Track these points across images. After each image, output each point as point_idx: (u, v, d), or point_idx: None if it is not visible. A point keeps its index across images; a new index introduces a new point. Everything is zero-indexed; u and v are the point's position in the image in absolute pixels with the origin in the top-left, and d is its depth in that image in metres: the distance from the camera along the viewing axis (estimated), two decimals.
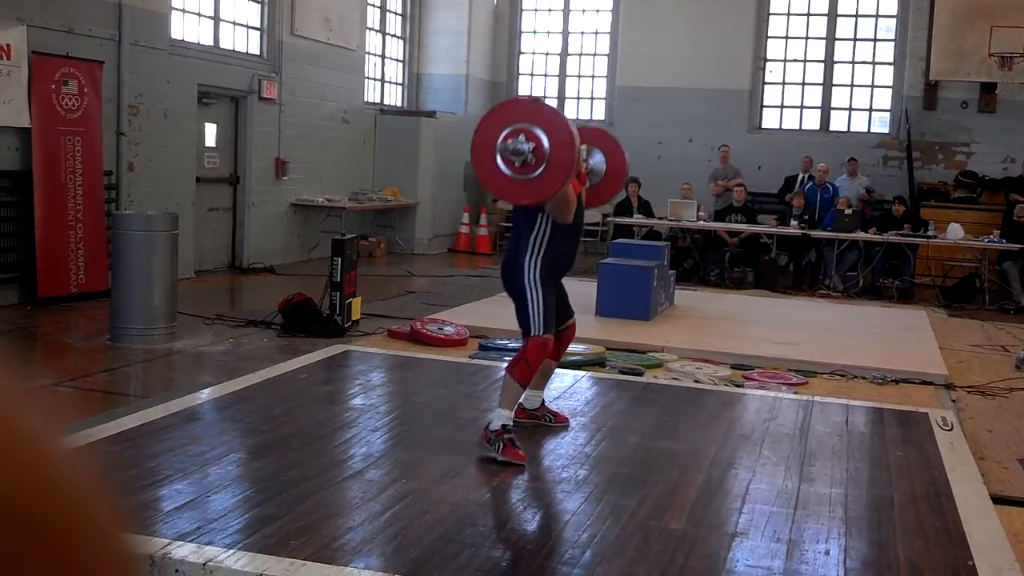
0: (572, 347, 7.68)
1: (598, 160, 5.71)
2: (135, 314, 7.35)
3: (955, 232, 12.52)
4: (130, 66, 9.84)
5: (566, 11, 16.89)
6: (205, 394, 5.90)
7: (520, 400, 5.22)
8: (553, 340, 5.09)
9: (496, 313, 9.26)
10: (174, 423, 5.19)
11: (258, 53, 12.27)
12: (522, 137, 4.72)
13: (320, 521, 3.92)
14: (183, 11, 11.00)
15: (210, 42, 11.47)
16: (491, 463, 4.76)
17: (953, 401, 6.85)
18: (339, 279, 7.98)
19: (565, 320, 5.33)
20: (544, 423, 5.44)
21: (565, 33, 16.95)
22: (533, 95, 16.44)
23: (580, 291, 10.74)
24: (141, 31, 9.94)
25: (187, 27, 11.10)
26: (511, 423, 4.94)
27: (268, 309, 8.37)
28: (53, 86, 8.74)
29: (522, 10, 17.17)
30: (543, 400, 5.55)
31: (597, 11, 16.79)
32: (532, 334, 4.95)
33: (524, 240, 5.01)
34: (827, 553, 3.93)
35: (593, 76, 16.83)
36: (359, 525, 3.91)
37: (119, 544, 0.55)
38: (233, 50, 11.83)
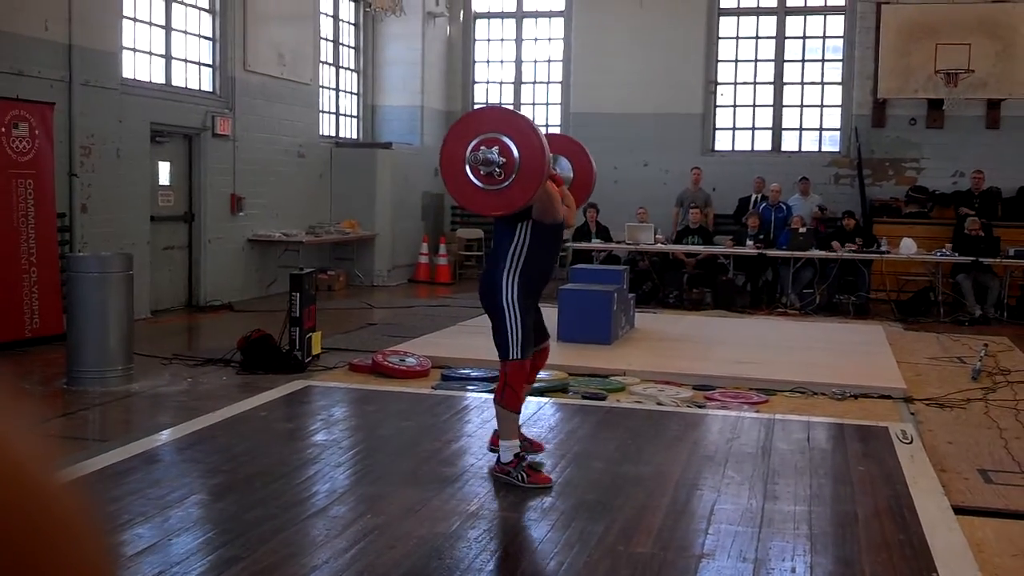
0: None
1: (564, 167, 5.72)
2: (91, 357, 7.25)
3: (908, 247, 12.71)
4: (81, 107, 9.76)
5: (519, 40, 17.01)
6: (164, 435, 5.84)
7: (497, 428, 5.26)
8: (530, 362, 5.10)
9: (458, 343, 9.25)
10: (133, 466, 5.13)
11: (211, 90, 12.23)
12: (493, 148, 4.71)
13: (285, 560, 3.89)
14: (134, 50, 10.94)
15: (162, 80, 11.42)
16: (469, 493, 4.75)
17: (912, 414, 6.92)
18: (298, 314, 7.94)
19: (540, 342, 5.33)
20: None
21: (518, 62, 17.06)
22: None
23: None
24: (91, 71, 9.88)
25: (138, 66, 11.04)
26: (520, 450, 4.98)
27: (227, 347, 8.30)
28: (3, 129, 8.65)
29: (475, 40, 17.27)
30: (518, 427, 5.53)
31: (549, 40, 16.92)
32: (510, 357, 4.95)
33: (504, 252, 5.00)
34: (793, 571, 3.95)
35: (547, 103, 16.94)
36: (324, 563, 3.88)
37: (106, 569, 0.55)
38: (185, 87, 11.78)
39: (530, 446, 5.47)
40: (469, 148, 4.78)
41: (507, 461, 4.96)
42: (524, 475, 4.89)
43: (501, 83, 17.22)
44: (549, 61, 16.91)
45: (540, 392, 7.19)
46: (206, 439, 5.73)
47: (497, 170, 4.70)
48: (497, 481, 4.97)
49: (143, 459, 5.29)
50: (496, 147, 4.70)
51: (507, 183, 4.72)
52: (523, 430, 5.79)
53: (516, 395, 4.99)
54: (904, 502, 4.79)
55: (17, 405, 0.53)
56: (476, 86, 17.33)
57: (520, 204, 4.77)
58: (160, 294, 11.29)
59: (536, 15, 16.93)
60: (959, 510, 4.72)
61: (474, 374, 7.87)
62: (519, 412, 5.14)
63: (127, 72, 10.71)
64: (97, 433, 6.43)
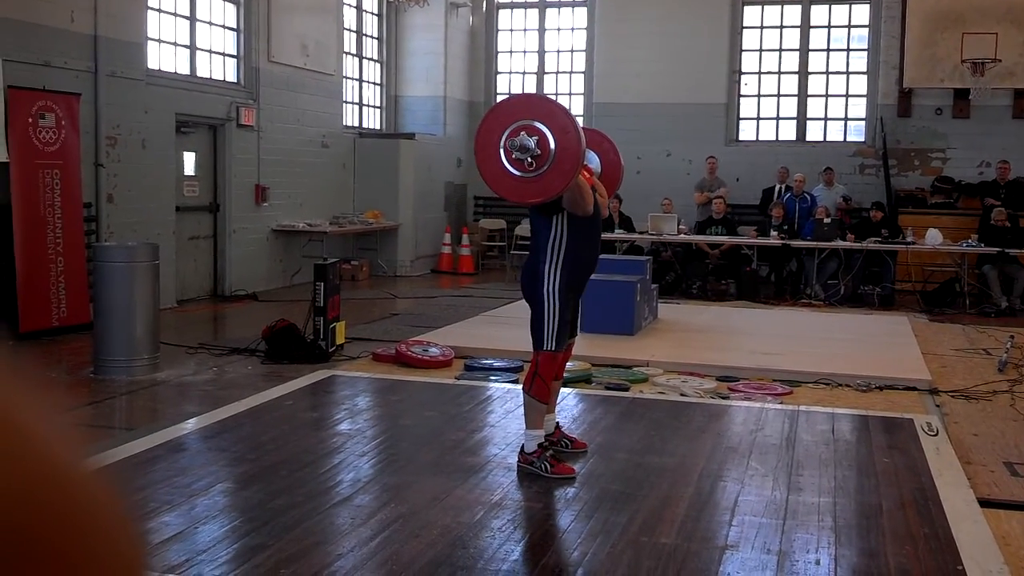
0: None
1: (593, 160, 5.69)
2: (118, 346, 7.31)
3: (934, 238, 12.61)
4: (107, 97, 9.83)
5: (541, 30, 16.97)
6: (190, 424, 5.88)
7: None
8: (561, 354, 5.10)
9: (481, 333, 9.27)
10: (160, 455, 5.17)
11: (235, 80, 12.28)
12: (525, 134, 4.68)
13: (310, 549, 3.91)
14: (159, 41, 11.00)
15: (187, 71, 11.47)
16: (493, 482, 4.77)
17: (937, 406, 6.88)
18: (322, 304, 7.97)
19: (571, 336, 5.30)
20: (561, 447, 5.38)
21: (541, 52, 17.03)
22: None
23: None
24: (117, 62, 9.94)
25: (163, 56, 11.10)
26: (545, 440, 4.99)
27: (251, 336, 8.35)
28: (30, 120, 8.72)
29: (498, 30, 17.24)
30: (557, 423, 5.53)
31: (572, 29, 16.87)
32: (544, 348, 4.96)
33: (543, 246, 4.99)
34: (818, 563, 3.94)
35: (570, 93, 16.90)
36: (349, 551, 3.90)
37: (136, 559, 0.56)
38: (210, 78, 11.83)
39: (571, 444, 5.46)
40: (505, 135, 4.75)
41: (531, 451, 4.97)
42: (548, 465, 4.90)
43: (524, 73, 17.19)
44: (572, 51, 16.86)
45: (563, 383, 7.19)
46: (231, 428, 5.77)
47: (530, 160, 4.69)
48: (521, 471, 4.98)
49: (169, 447, 5.33)
50: (534, 135, 4.68)
51: (542, 171, 4.70)
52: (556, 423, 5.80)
53: (545, 386, 5.00)
54: (929, 494, 4.77)
55: (44, 394, 0.54)
56: (499, 76, 17.31)
57: (554, 193, 4.74)
58: (185, 284, 11.37)
59: (559, 5, 16.89)
60: (984, 503, 4.70)
61: (497, 364, 7.89)
62: (547, 403, 5.15)
63: (152, 63, 10.77)
64: (124, 422, 6.49)
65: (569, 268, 4.96)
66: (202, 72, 11.72)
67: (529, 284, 5.06)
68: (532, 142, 4.67)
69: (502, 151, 4.74)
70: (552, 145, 4.67)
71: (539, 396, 4.99)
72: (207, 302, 11.63)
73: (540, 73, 17.03)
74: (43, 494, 0.50)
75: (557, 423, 5.51)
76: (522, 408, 6.44)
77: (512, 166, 4.75)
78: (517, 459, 5.08)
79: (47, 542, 0.49)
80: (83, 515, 0.52)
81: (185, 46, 11.47)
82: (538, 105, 4.91)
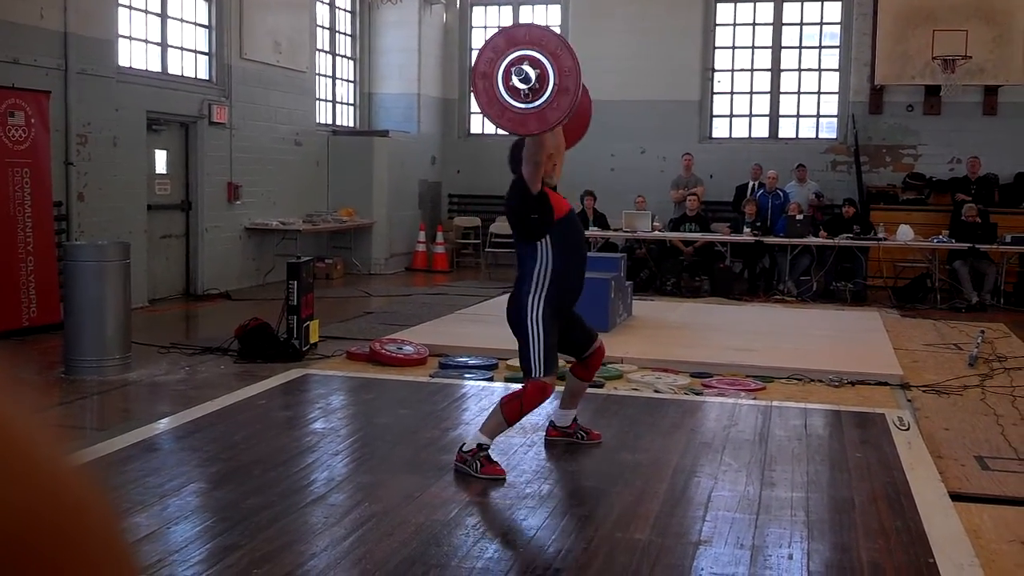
0: None
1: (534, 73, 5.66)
2: (89, 346, 7.25)
3: (905, 233, 12.71)
4: (77, 95, 9.74)
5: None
6: (162, 424, 5.84)
7: (552, 418, 5.45)
8: (552, 386, 5.02)
9: (455, 331, 9.26)
10: (132, 455, 5.14)
11: (207, 78, 12.20)
12: (529, 64, 4.63)
13: (283, 548, 3.90)
14: (130, 38, 10.91)
15: (158, 68, 11.39)
16: (469, 480, 4.76)
17: (909, 401, 6.93)
18: (296, 302, 7.94)
19: (590, 344, 5.31)
20: (576, 440, 5.44)
21: None
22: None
23: None
24: (87, 59, 9.86)
25: (134, 54, 11.02)
26: (488, 444, 4.91)
27: (224, 335, 8.30)
28: None
29: (472, 27, 17.23)
30: (575, 417, 5.53)
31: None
32: (533, 376, 4.90)
33: (528, 275, 4.94)
34: (790, 557, 3.96)
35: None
36: (322, 551, 3.89)
37: (128, 565, 0.55)
38: (181, 76, 11.75)
39: (587, 435, 5.49)
40: (509, 58, 4.68)
41: (468, 449, 4.89)
42: (478, 464, 4.82)
43: None
44: None
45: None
46: (204, 427, 5.74)
47: (527, 91, 4.64)
48: (457, 472, 4.89)
49: (141, 448, 5.30)
50: (537, 68, 4.62)
51: (543, 99, 4.66)
52: (523, 419, 5.79)
53: (521, 412, 4.93)
54: (901, 488, 4.81)
55: (20, 391, 0.53)
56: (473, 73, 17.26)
57: (556, 120, 4.65)
58: (157, 283, 11.29)
59: (533, 2, 16.89)
60: (956, 496, 4.74)
61: (472, 362, 7.89)
62: (511, 426, 5.06)
63: (123, 60, 10.69)
64: (95, 422, 6.44)
65: (555, 294, 4.92)
66: (174, 69, 11.64)
67: (513, 315, 5.00)
68: (534, 74, 4.62)
69: (501, 72, 4.68)
70: (552, 75, 4.62)
71: (509, 417, 4.91)
72: (179, 301, 11.56)
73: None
74: (24, 490, 0.49)
75: (575, 417, 5.52)
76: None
77: (510, 96, 4.69)
78: (455, 459, 4.97)
79: (39, 549, 0.49)
80: (75, 521, 0.51)
81: (156, 43, 11.39)
82: (539, 35, 4.82)
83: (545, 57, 4.64)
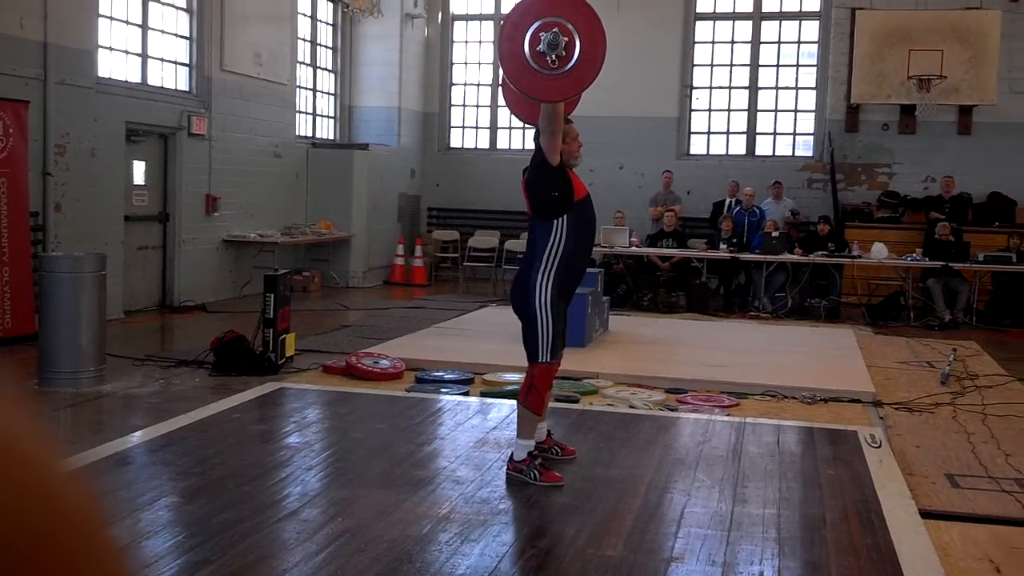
0: (507, 376, 7.74)
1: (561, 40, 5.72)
2: (63, 357, 7.22)
3: (879, 251, 12.82)
4: (56, 105, 9.71)
5: (496, 42, 17.01)
6: (136, 437, 5.82)
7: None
8: (558, 365, 5.12)
9: (432, 345, 9.26)
10: (104, 468, 5.11)
11: (187, 89, 12.18)
12: (558, 31, 4.66)
13: (255, 563, 3.89)
14: (110, 48, 10.89)
15: (138, 79, 11.37)
16: (443, 496, 4.77)
17: (881, 418, 6.99)
18: (272, 315, 7.93)
19: (563, 345, 5.31)
20: (551, 455, 5.44)
21: (496, 64, 17.07)
22: None
23: (516, 319, 10.82)
24: (67, 69, 9.83)
25: (114, 64, 10.99)
26: (535, 450, 5.00)
27: (200, 348, 8.28)
28: None
29: (453, 42, 17.28)
30: (548, 431, 5.56)
31: None
32: (539, 360, 4.98)
33: (540, 252, 4.99)
34: (761, 574, 3.99)
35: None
36: (295, 566, 3.89)
37: (121, 571, 0.56)
38: (161, 87, 11.73)
39: (562, 451, 5.50)
40: (530, 30, 4.70)
41: (520, 459, 5.01)
42: (536, 473, 4.94)
43: (479, 85, 17.24)
44: None
45: (514, 394, 7.21)
46: (178, 441, 5.72)
47: (554, 58, 4.67)
48: (510, 479, 5.01)
49: (114, 461, 5.27)
50: (565, 36, 4.66)
51: (570, 65, 4.68)
52: (493, 434, 5.82)
53: (541, 398, 5.04)
54: (872, 506, 4.85)
55: (15, 398, 0.54)
56: (453, 88, 17.35)
57: (584, 85, 4.72)
58: (134, 294, 11.24)
59: None
60: (926, 514, 4.78)
61: (448, 376, 7.89)
62: (541, 414, 5.18)
63: (103, 71, 10.66)
64: (68, 434, 6.40)
65: (561, 276, 4.99)
66: (153, 80, 11.62)
67: (519, 297, 5.06)
68: (563, 42, 4.65)
69: (529, 37, 4.69)
70: (579, 42, 4.66)
71: (534, 408, 5.02)
72: (155, 313, 11.51)
73: (495, 85, 17.07)
74: (28, 507, 0.50)
75: (549, 430, 5.55)
76: (472, 420, 6.48)
77: (538, 63, 4.71)
78: (506, 467, 5.11)
79: (31, 555, 0.49)
80: (68, 528, 0.52)
81: (137, 54, 11.37)
82: (580, 9, 4.83)
83: (575, 28, 4.67)
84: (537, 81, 4.74)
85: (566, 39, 4.68)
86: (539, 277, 4.97)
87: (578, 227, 5.04)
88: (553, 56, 4.68)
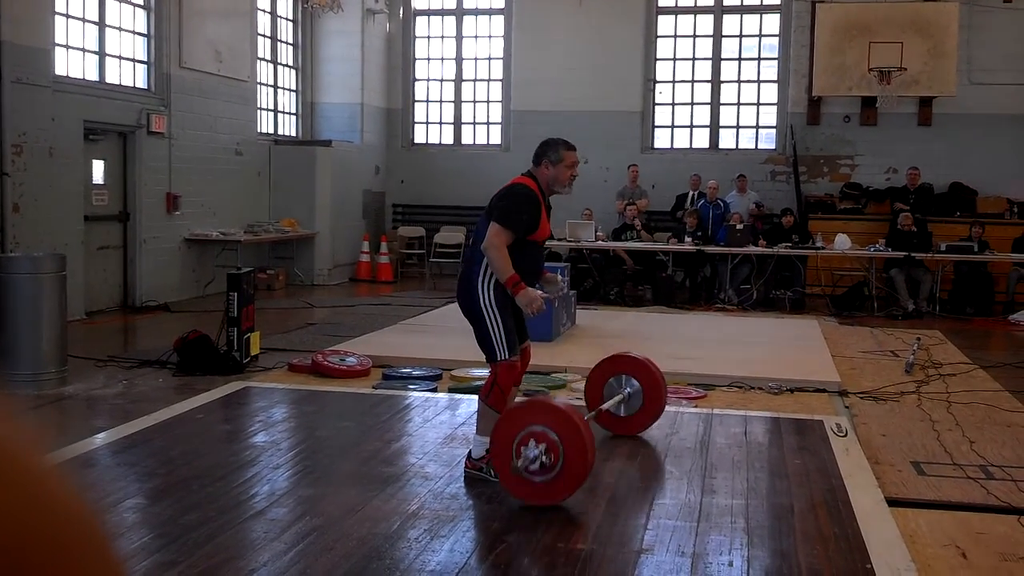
0: (476, 372, 7.72)
1: (635, 388, 5.82)
2: (24, 359, 7.11)
3: (842, 242, 12.92)
4: (12, 104, 9.55)
5: (459, 37, 16.97)
6: (99, 439, 5.74)
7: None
8: (519, 362, 5.04)
9: (399, 341, 9.22)
10: (67, 470, 5.03)
11: (145, 87, 12.04)
12: (533, 442, 4.48)
13: (222, 564, 3.85)
14: (66, 47, 10.74)
15: (95, 77, 11.22)
16: (412, 492, 4.74)
17: (847, 407, 7.03)
18: (236, 314, 7.86)
19: (522, 340, 5.19)
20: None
21: (459, 59, 17.02)
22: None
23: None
24: (23, 68, 9.67)
25: (71, 62, 10.84)
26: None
27: (163, 348, 8.19)
28: None
29: (415, 37, 17.20)
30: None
31: (490, 37, 16.90)
32: (498, 359, 4.90)
33: (478, 256, 4.91)
34: (731, 564, 3.99)
35: (488, 101, 16.93)
36: (263, 566, 3.85)
37: (113, 564, 0.56)
38: (119, 84, 11.59)
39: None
40: (515, 444, 4.52)
41: (479, 456, 4.93)
42: (494, 471, 4.83)
43: (442, 80, 17.18)
44: (489, 59, 16.89)
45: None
46: (142, 442, 5.65)
47: (540, 465, 4.49)
48: (468, 477, 4.96)
49: (77, 463, 5.20)
50: (542, 443, 4.47)
51: (553, 474, 4.49)
52: (461, 430, 5.80)
53: (503, 396, 4.92)
54: (839, 495, 4.87)
55: (4, 399, 0.53)
56: (417, 83, 17.28)
57: (565, 496, 4.55)
58: (95, 295, 11.10)
59: (476, 12, 16.91)
60: (892, 502, 4.81)
61: (415, 373, 7.86)
62: (502, 412, 5.08)
63: (60, 69, 10.51)
64: None
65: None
66: (111, 78, 11.48)
67: (464, 297, 4.97)
68: (541, 449, 4.47)
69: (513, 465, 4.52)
70: (561, 450, 4.46)
71: (495, 406, 4.90)
72: (117, 313, 11.38)
73: (458, 80, 17.03)
74: (24, 507, 0.49)
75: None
76: (441, 416, 6.45)
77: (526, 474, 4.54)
78: (464, 465, 5.06)
79: (30, 555, 0.49)
80: (64, 526, 0.52)
81: (94, 52, 11.22)
82: (548, 411, 4.64)
83: (553, 432, 4.49)
84: (545, 487, 4.55)
85: (543, 444, 4.49)
86: (480, 279, 4.89)
87: (523, 248, 4.94)
88: (538, 465, 4.50)
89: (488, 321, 4.88)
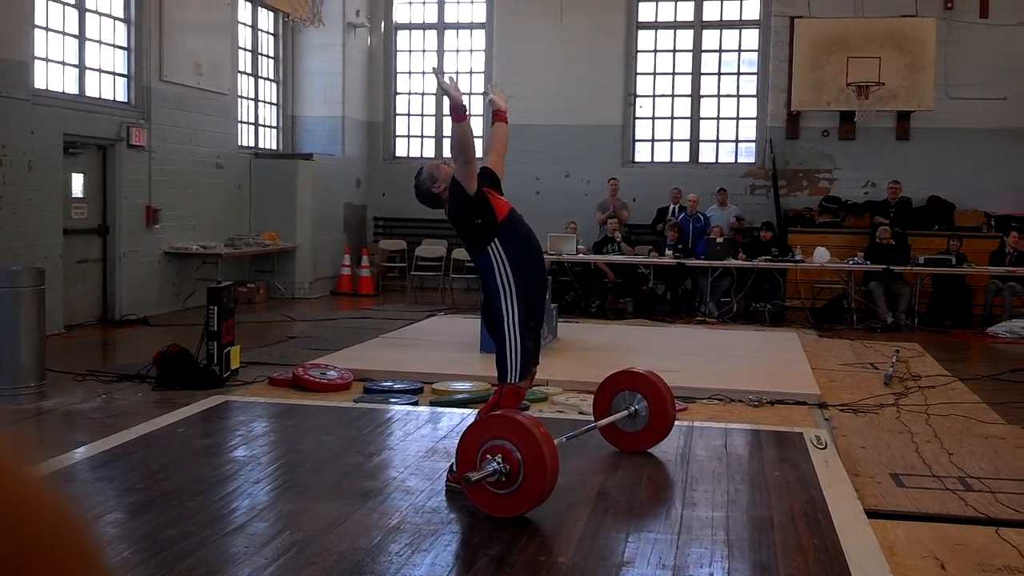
0: (456, 385, 7.72)
1: (641, 407, 5.84)
2: (2, 373, 7.08)
3: (822, 256, 13.00)
4: None
5: (440, 51, 17.01)
6: (79, 453, 5.71)
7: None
8: (525, 391, 5.08)
9: (380, 355, 9.21)
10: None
11: (125, 100, 12.01)
12: (489, 456, 4.53)
13: None
14: (46, 60, 10.70)
15: (75, 90, 11.19)
16: (394, 506, 4.73)
17: (826, 419, 7.07)
18: (216, 328, 7.83)
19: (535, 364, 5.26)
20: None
21: (440, 73, 16.99)
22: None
23: (465, 328, 10.83)
24: (2, 81, 9.63)
25: (51, 76, 10.81)
26: None
27: (142, 362, 8.15)
28: None
29: (396, 51, 17.23)
30: None
31: (471, 51, 16.95)
32: (508, 381, 4.93)
33: (493, 285, 4.97)
34: None
35: (469, 115, 16.91)
36: None
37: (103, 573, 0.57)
38: (99, 98, 11.55)
39: None
40: (477, 460, 4.56)
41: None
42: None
43: (423, 94, 17.21)
44: (471, 72, 16.93)
45: (463, 404, 7.21)
46: (121, 456, 5.62)
47: (502, 477, 4.53)
48: (449, 491, 4.95)
49: (57, 478, 5.15)
50: (497, 454, 4.51)
51: (515, 486, 4.52)
52: (443, 443, 5.79)
53: None
54: (819, 507, 4.89)
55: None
56: (398, 97, 17.30)
57: (528, 507, 4.56)
58: (74, 309, 11.04)
59: (457, 27, 16.96)
60: (872, 514, 4.84)
61: (397, 386, 7.85)
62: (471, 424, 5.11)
63: (39, 82, 10.47)
64: None
65: (524, 294, 4.94)
66: (91, 92, 11.44)
67: (490, 319, 5.06)
68: (497, 461, 4.51)
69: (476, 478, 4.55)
70: (520, 462, 4.50)
71: None
72: (96, 327, 11.31)
73: (439, 94, 17.06)
74: (14, 511, 0.49)
75: None
76: (422, 430, 6.45)
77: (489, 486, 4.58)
78: (446, 477, 5.05)
79: (18, 559, 0.50)
80: (51, 530, 0.52)
81: (74, 65, 11.19)
82: (507, 425, 4.65)
83: (512, 444, 4.54)
84: (508, 499, 4.57)
85: (499, 455, 4.53)
86: (505, 302, 4.95)
87: (514, 243, 4.98)
88: (501, 477, 4.54)
89: (508, 341, 4.93)
